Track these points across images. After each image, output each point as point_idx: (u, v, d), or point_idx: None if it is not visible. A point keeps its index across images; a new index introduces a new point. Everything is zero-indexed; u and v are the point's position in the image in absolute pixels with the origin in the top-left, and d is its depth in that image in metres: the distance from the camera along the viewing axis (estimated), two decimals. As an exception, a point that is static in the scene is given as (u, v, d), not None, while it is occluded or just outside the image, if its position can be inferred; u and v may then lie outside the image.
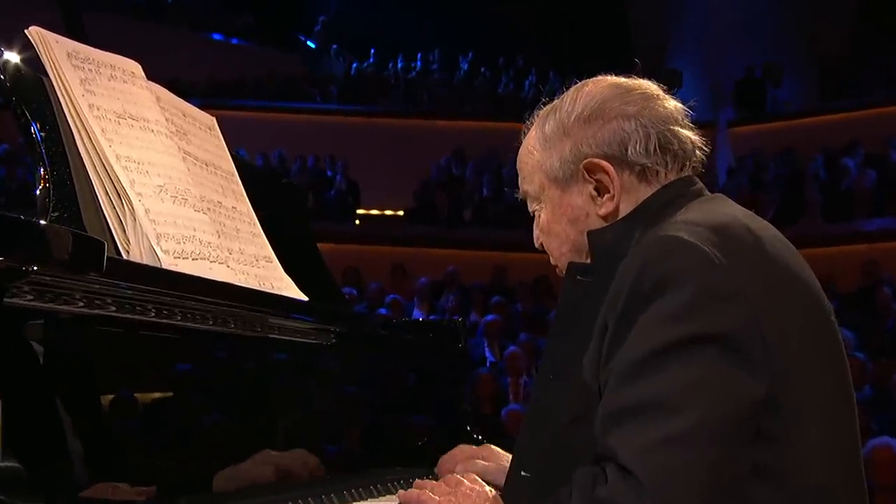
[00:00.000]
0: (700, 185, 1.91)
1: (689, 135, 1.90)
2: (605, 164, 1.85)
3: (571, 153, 1.88)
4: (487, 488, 1.90)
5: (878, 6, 17.89)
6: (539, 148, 1.95)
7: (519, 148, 2.04)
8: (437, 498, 1.88)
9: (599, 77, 1.96)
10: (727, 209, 1.79)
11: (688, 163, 1.89)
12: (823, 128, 16.66)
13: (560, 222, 1.94)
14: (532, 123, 2.02)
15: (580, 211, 1.90)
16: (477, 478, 1.96)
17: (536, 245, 2.06)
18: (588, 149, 1.86)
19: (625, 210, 1.86)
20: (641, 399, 1.54)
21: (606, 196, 1.87)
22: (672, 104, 1.91)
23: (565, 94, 1.97)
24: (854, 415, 1.75)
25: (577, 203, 1.90)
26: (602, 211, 1.87)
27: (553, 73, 17.96)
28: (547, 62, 19.04)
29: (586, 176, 1.87)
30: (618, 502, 1.50)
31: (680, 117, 1.90)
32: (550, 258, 2.02)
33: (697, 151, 1.90)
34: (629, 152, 1.85)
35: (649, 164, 1.85)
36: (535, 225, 2.04)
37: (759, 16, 18.93)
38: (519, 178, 2.03)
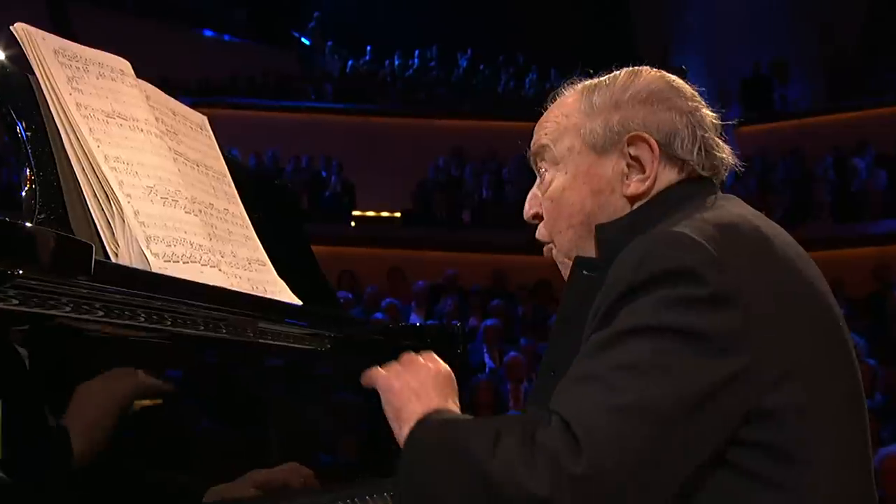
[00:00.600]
0: (716, 187, 1.93)
1: (727, 148, 1.94)
2: (652, 140, 1.86)
3: (619, 124, 1.89)
4: (442, 365, 1.93)
5: (891, 1, 17.90)
6: (580, 113, 1.94)
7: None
8: (384, 372, 1.92)
9: (648, 68, 1.99)
10: (737, 209, 1.80)
11: (720, 173, 1.93)
12: (833, 127, 16.67)
13: (580, 190, 1.92)
14: (562, 94, 2.03)
15: (606, 184, 1.90)
16: (434, 355, 1.97)
17: (528, 214, 2.04)
18: (637, 126, 1.88)
19: (646, 198, 1.88)
20: (600, 368, 1.56)
21: (638, 176, 1.87)
22: (711, 114, 1.94)
23: (613, 74, 1.98)
24: (866, 424, 1.75)
25: (607, 174, 1.90)
26: (629, 190, 1.88)
27: (554, 70, 17.98)
28: (548, 60, 19.05)
29: (626, 149, 1.87)
30: (553, 448, 1.50)
31: (716, 129, 1.94)
32: (543, 228, 2.00)
33: (724, 170, 1.93)
34: (676, 145, 1.87)
35: (690, 161, 1.88)
36: (534, 192, 2.02)
37: (765, 11, 18.96)
38: (536, 136, 2.01)
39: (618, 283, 1.62)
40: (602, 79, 1.99)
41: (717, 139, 1.92)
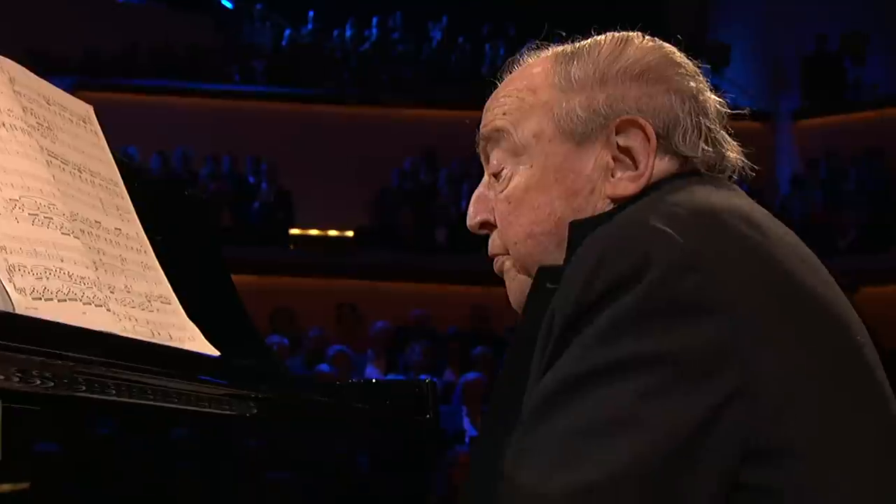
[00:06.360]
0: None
1: (734, 145, 1.96)
2: (648, 127, 1.86)
3: (606, 104, 1.89)
4: None
5: None
6: (552, 88, 1.94)
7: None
8: None
9: (639, 35, 1.99)
10: (727, 197, 1.80)
11: (725, 173, 1.94)
12: (924, 120, 16.80)
13: (550, 190, 1.92)
14: (523, 62, 2.04)
15: (586, 182, 1.90)
16: None
17: (474, 221, 2.05)
18: (629, 108, 1.88)
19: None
20: (548, 436, 1.56)
21: (628, 173, 1.88)
22: (716, 100, 1.95)
23: (594, 39, 1.99)
24: None
25: (587, 170, 1.90)
26: (617, 191, 1.88)
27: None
28: (548, 32, 19.13)
29: (613, 137, 1.88)
30: None
31: (721, 120, 1.95)
32: (499, 238, 2.01)
33: (729, 173, 1.94)
34: (677, 136, 1.88)
35: (695, 158, 1.88)
36: (481, 193, 2.04)
37: (834, -30, 19.12)
38: (488, 116, 2.02)
39: (565, 303, 1.63)
40: (580, 45, 1.99)
41: (723, 133, 1.94)
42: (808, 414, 1.59)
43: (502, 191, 1.98)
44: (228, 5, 22.88)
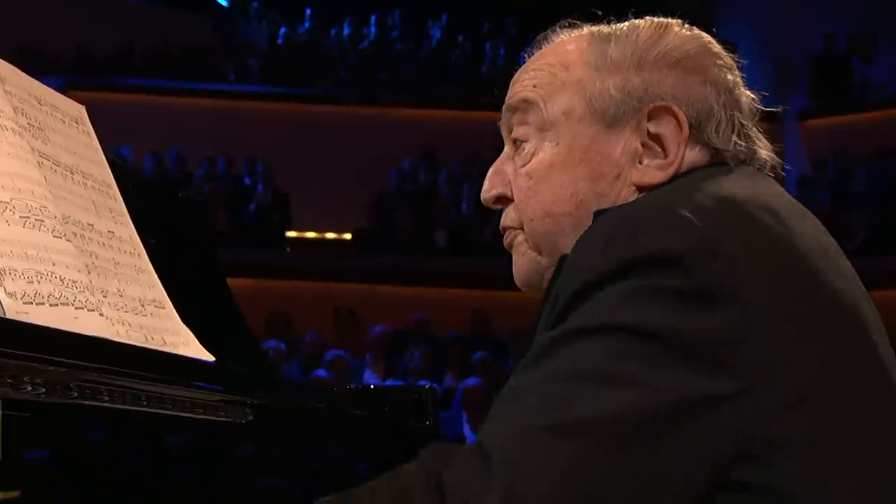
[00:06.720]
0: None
1: (766, 142, 1.96)
2: (682, 115, 1.87)
3: (641, 89, 1.90)
4: None
5: None
6: (587, 67, 1.95)
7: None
8: None
9: (679, 22, 2.00)
10: (752, 186, 1.80)
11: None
12: (933, 120, 16.78)
13: (574, 170, 1.92)
14: (556, 37, 2.04)
15: (612, 166, 1.91)
16: None
17: (490, 195, 2.04)
18: (664, 95, 1.89)
19: None
20: (535, 378, 1.58)
21: (657, 161, 1.89)
22: (749, 95, 1.97)
23: (632, 23, 1.99)
24: None
25: (614, 154, 1.91)
26: (644, 178, 1.89)
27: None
28: (550, 30, 19.11)
29: (644, 123, 1.89)
30: (461, 483, 1.54)
31: (754, 116, 1.96)
32: (514, 212, 2.01)
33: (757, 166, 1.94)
34: (710, 128, 1.89)
35: (726, 151, 1.89)
36: (498, 168, 2.03)
37: (842, -33, 19.11)
38: (517, 87, 2.02)
39: (574, 277, 1.63)
40: (616, 26, 2.00)
41: (755, 130, 1.95)
42: (814, 412, 1.59)
43: (523, 165, 1.98)
44: (224, 3, 22.85)
